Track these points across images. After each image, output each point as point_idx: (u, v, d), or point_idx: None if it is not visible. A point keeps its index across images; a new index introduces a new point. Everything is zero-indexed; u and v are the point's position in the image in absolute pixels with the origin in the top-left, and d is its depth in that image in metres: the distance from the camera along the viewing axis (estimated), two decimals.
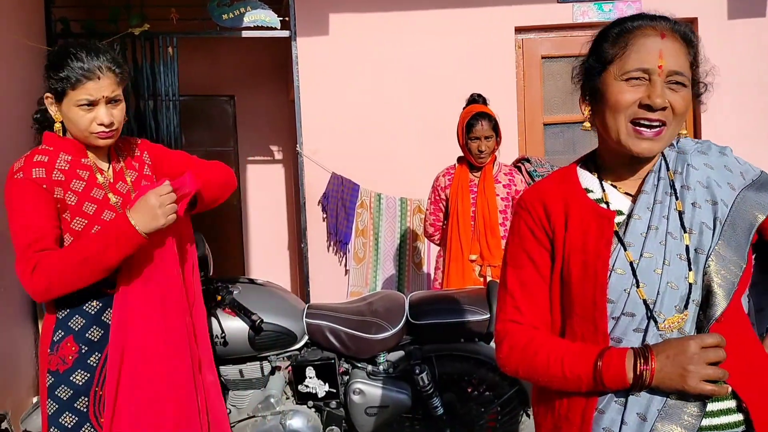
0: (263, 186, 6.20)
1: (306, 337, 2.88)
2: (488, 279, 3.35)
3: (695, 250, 1.25)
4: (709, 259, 1.24)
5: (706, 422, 1.21)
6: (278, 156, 6.20)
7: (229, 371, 2.88)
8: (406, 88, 4.78)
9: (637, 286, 1.24)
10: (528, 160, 4.20)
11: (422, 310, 2.84)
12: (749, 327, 1.34)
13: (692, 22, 4.83)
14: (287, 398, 2.95)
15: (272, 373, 2.93)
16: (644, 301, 1.24)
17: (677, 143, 1.38)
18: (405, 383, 2.85)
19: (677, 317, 1.23)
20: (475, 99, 3.54)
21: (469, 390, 3.02)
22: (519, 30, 4.82)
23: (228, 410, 2.90)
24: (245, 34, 4.65)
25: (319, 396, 2.86)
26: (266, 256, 6.22)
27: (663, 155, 1.35)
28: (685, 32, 1.29)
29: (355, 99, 4.79)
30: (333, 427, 2.92)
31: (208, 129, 6.19)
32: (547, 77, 4.91)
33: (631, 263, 1.26)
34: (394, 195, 4.82)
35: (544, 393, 1.37)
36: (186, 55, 4.81)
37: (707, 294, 1.24)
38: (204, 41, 5.40)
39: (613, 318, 1.26)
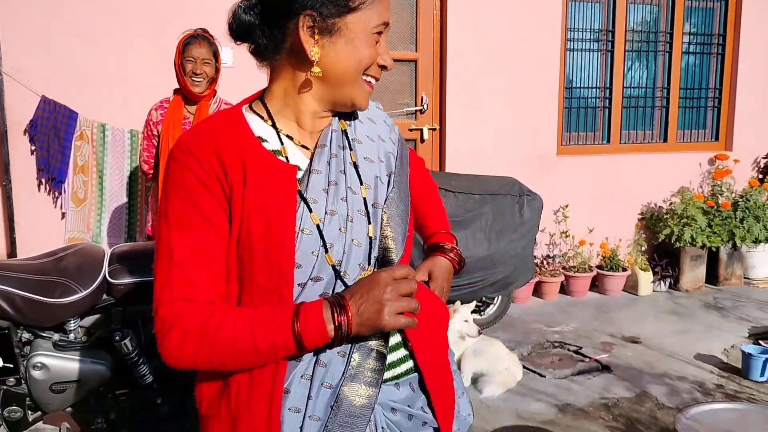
0: None
1: None
2: None
3: (372, 204, 1.20)
4: (383, 212, 1.20)
5: (387, 374, 1.19)
6: None
7: None
8: (137, 2, 4.12)
9: (326, 250, 1.13)
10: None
11: (124, 266, 2.42)
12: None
13: None
14: None
15: None
16: (333, 266, 1.14)
17: None
18: (103, 352, 2.43)
19: (363, 275, 1.16)
20: (198, 32, 3.27)
21: None
22: None
23: None
24: None
25: None
26: None
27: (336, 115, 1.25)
28: None
29: (73, 7, 4.01)
30: (13, 407, 2.41)
31: None
32: None
33: (318, 225, 1.13)
34: (122, 127, 4.19)
35: (212, 380, 1.16)
36: None
37: (386, 247, 1.20)
38: None
39: (299, 285, 1.12)
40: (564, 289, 5.22)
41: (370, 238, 1.18)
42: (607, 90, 5.52)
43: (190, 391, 2.60)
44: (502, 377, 3.53)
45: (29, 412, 2.45)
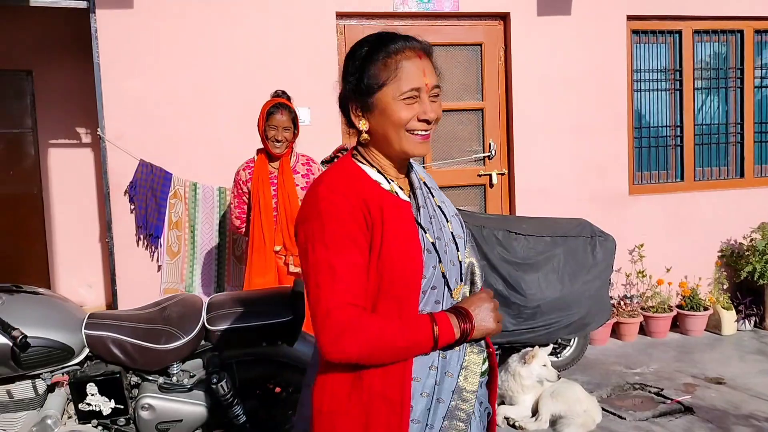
0: (69, 172, 5.60)
1: (86, 351, 2.57)
2: (291, 268, 3.54)
3: (456, 236, 1.56)
4: (467, 245, 1.58)
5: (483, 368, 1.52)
6: (85, 139, 5.63)
7: None
8: (222, 71, 4.50)
9: (440, 262, 1.47)
10: (346, 150, 4.13)
11: (220, 314, 2.64)
12: None
13: (505, 17, 5.00)
14: (69, 417, 2.63)
15: (51, 390, 2.60)
16: (443, 275, 1.48)
17: None
18: (202, 393, 2.65)
19: (459, 287, 1.53)
20: (279, 94, 3.67)
21: (277, 391, 2.88)
22: (340, 16, 4.71)
23: None
24: (34, 2, 4.11)
25: (105, 414, 2.58)
26: (74, 251, 5.64)
27: (410, 164, 1.60)
28: (430, 50, 1.51)
29: (165, 80, 4.43)
30: None
31: (2, 107, 5.46)
32: None
33: (433, 243, 1.47)
34: (212, 184, 4.53)
35: (342, 373, 1.42)
36: None
37: (472, 271, 1.58)
38: None
39: (423, 292, 1.44)
40: (643, 330, 5.14)
41: (460, 261, 1.54)
42: (678, 128, 5.50)
43: (279, 431, 2.78)
44: (582, 419, 3.53)
45: None
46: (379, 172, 1.51)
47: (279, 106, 3.53)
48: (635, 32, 5.32)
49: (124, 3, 4.31)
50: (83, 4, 4.14)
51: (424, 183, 1.60)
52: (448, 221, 1.56)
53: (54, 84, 5.47)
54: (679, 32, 5.42)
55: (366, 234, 1.40)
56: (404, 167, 1.56)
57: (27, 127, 5.58)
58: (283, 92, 3.67)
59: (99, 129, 4.29)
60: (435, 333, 1.38)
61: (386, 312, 1.41)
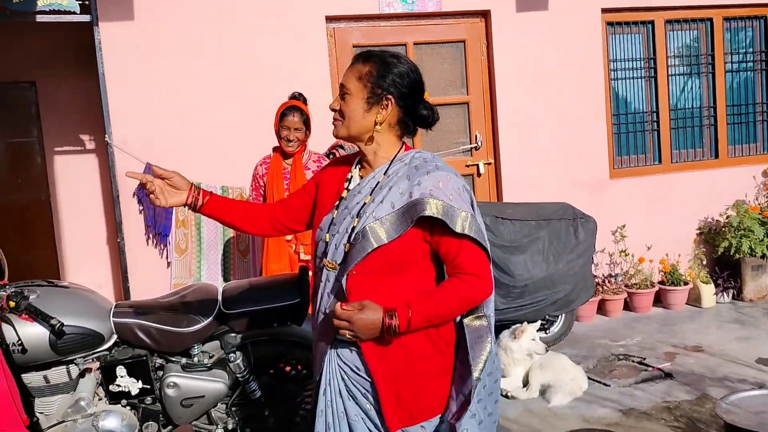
0: (74, 178, 5.82)
1: (115, 337, 2.83)
2: (301, 256, 3.83)
3: (353, 228, 1.82)
4: (354, 237, 1.80)
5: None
6: (89, 146, 5.86)
7: (33, 378, 2.76)
8: (221, 75, 4.75)
9: (325, 241, 1.90)
10: (342, 147, 4.39)
11: (234, 299, 2.91)
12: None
13: (485, 14, 5.27)
14: (100, 399, 2.89)
15: (82, 375, 2.86)
16: (324, 251, 1.90)
17: (412, 157, 1.88)
18: (221, 371, 2.91)
19: (332, 264, 1.87)
20: (296, 96, 3.95)
21: (287, 370, 3.15)
22: (330, 19, 4.97)
23: (35, 418, 2.81)
24: (40, 18, 4.34)
25: (133, 394, 2.84)
26: (82, 254, 5.87)
27: (390, 163, 1.88)
28: (357, 59, 1.88)
29: (168, 86, 4.68)
30: (150, 422, 2.91)
31: (7, 118, 5.69)
32: None
33: (329, 227, 1.91)
34: (215, 183, 4.79)
35: None
36: None
37: (344, 258, 1.84)
38: None
39: (316, 256, 1.96)
40: (628, 306, 5.44)
41: (344, 246, 1.84)
42: (655, 113, 5.79)
43: (291, 405, 3.05)
44: (569, 387, 3.82)
45: (161, 426, 2.95)
46: (359, 161, 1.95)
47: (292, 108, 3.80)
48: (610, 24, 5.61)
49: (126, 15, 4.56)
50: (87, 18, 4.37)
51: (377, 184, 1.84)
52: (359, 217, 1.80)
53: (57, 94, 5.69)
54: (652, 22, 5.70)
55: (312, 193, 2.05)
56: (371, 159, 1.89)
57: (32, 136, 5.80)
58: (300, 95, 3.94)
59: (106, 136, 4.53)
60: None
61: None
